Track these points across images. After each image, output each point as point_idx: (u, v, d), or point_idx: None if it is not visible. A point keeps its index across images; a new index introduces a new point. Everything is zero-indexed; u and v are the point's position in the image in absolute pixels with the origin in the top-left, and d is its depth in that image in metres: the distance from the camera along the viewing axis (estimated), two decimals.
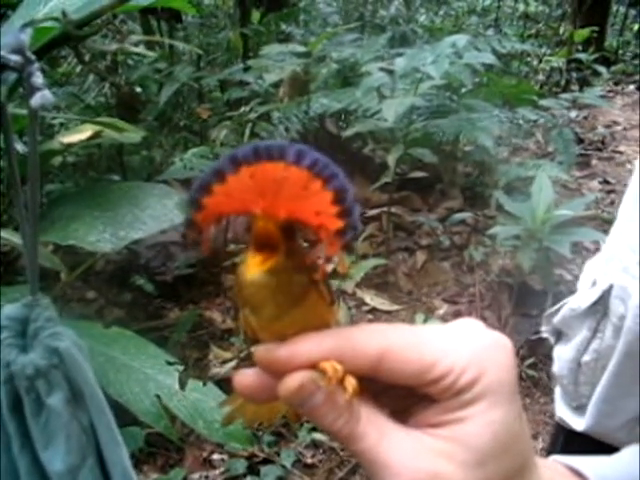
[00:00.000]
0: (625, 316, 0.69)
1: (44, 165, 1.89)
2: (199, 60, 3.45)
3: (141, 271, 2.43)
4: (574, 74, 4.92)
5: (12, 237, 1.25)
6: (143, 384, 1.02)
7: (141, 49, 2.90)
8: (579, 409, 0.77)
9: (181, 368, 1.01)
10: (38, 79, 0.45)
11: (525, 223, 2.31)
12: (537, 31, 6.34)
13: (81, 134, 1.73)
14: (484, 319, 2.46)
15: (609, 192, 3.69)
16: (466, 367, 0.34)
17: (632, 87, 6.30)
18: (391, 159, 2.56)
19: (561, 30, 5.88)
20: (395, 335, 0.35)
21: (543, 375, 2.28)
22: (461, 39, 2.65)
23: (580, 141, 4.14)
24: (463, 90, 3.22)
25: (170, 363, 1.05)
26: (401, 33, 3.81)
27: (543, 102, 3.35)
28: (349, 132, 2.78)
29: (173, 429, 1.04)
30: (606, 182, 3.84)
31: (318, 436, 1.91)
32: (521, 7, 6.64)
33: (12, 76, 0.48)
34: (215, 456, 1.89)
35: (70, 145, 1.76)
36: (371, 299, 2.54)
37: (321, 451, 1.93)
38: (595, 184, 3.81)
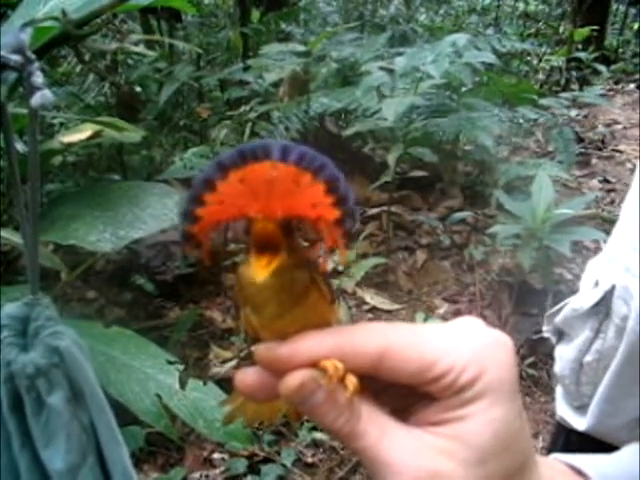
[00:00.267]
0: (628, 317, 0.69)
1: (44, 165, 1.89)
2: (199, 59, 3.45)
3: (141, 270, 2.43)
4: (574, 73, 4.93)
5: (12, 237, 1.26)
6: (143, 383, 1.02)
7: (141, 49, 2.90)
8: (580, 409, 0.77)
9: (181, 367, 1.01)
10: (38, 79, 0.45)
11: (525, 222, 2.32)
12: (537, 30, 6.34)
13: (81, 134, 1.73)
14: (484, 318, 2.46)
15: (609, 191, 3.69)
16: (467, 365, 0.34)
17: (632, 86, 6.30)
18: (391, 158, 2.56)
19: (561, 29, 5.88)
20: (396, 334, 0.35)
21: (543, 374, 2.28)
22: (461, 38, 2.65)
23: (580, 140, 4.14)
24: (463, 89, 3.22)
25: (170, 362, 1.05)
26: (401, 32, 3.81)
27: (543, 101, 3.35)
28: (349, 131, 2.78)
29: (173, 428, 1.04)
30: (606, 181, 3.84)
31: (319, 435, 1.91)
32: (521, 6, 6.65)
33: (12, 75, 0.48)
34: (215, 455, 1.89)
35: (70, 145, 1.76)
36: (371, 298, 2.54)
37: (321, 450, 1.93)
38: (595, 183, 3.81)
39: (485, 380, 0.34)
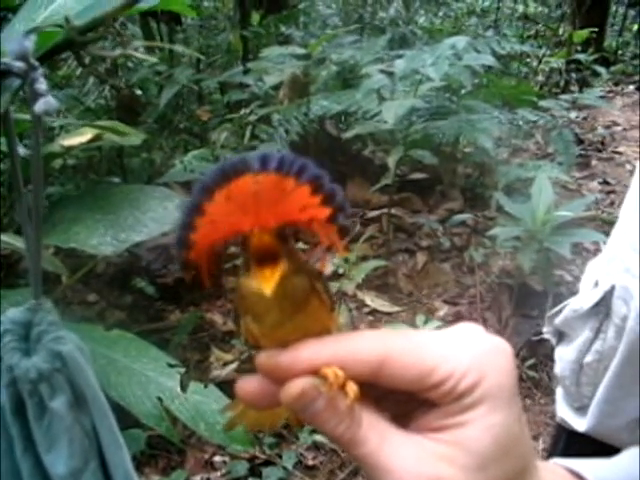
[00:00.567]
0: (627, 317, 0.69)
1: (44, 168, 1.89)
2: (199, 62, 3.46)
3: (142, 274, 2.43)
4: (573, 75, 4.93)
5: (13, 240, 1.26)
6: (144, 386, 1.02)
7: (142, 53, 2.90)
8: (581, 410, 0.77)
9: (182, 370, 1.01)
10: (42, 85, 0.46)
11: (525, 224, 2.32)
12: (536, 32, 6.35)
13: (81, 137, 1.73)
14: (484, 320, 2.46)
15: (609, 193, 3.69)
16: (466, 372, 0.34)
17: (632, 87, 6.30)
18: (391, 161, 2.57)
19: (560, 31, 5.89)
20: (395, 341, 0.35)
21: (544, 376, 2.28)
22: (460, 40, 2.65)
23: (580, 142, 4.14)
24: (463, 91, 3.23)
25: (171, 365, 1.05)
26: (400, 35, 3.82)
27: (543, 103, 3.35)
28: (349, 134, 2.79)
29: (174, 431, 1.04)
30: (606, 183, 3.84)
31: (319, 438, 1.91)
32: (520, 8, 6.66)
33: (16, 82, 0.48)
34: (216, 458, 1.89)
35: (70, 148, 1.76)
36: (372, 301, 2.54)
37: (322, 453, 1.94)
38: (595, 185, 3.81)
39: (485, 386, 0.34)
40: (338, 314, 0.38)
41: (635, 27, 8.07)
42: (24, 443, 0.59)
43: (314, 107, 2.81)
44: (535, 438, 2.03)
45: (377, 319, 2.47)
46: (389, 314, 2.51)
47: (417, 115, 2.81)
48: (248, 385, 0.36)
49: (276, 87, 2.94)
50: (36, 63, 0.46)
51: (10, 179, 1.77)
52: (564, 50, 5.20)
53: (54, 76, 3.05)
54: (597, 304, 0.74)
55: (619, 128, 4.89)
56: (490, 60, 2.77)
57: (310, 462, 1.90)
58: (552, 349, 0.85)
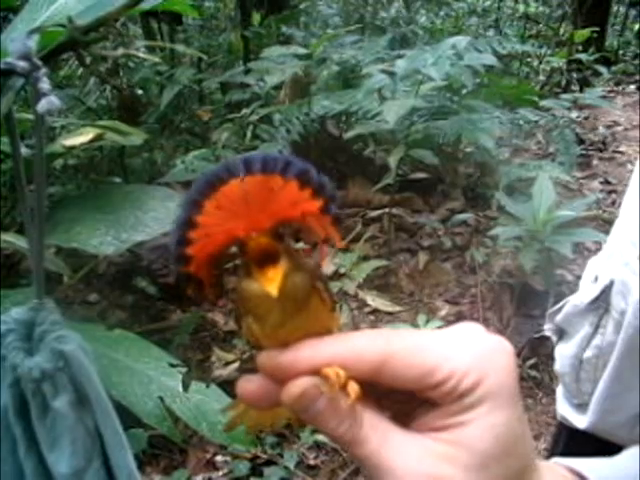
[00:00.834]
0: (626, 311, 0.69)
1: (46, 167, 1.89)
2: (200, 62, 3.46)
3: (143, 273, 2.43)
4: (575, 74, 4.93)
5: (15, 240, 1.26)
6: (146, 386, 1.02)
7: (144, 53, 2.90)
8: (581, 407, 0.78)
9: (184, 370, 1.01)
10: (45, 85, 0.46)
11: (526, 224, 2.32)
12: (537, 32, 6.35)
13: (83, 137, 1.73)
14: (486, 320, 2.46)
15: (610, 192, 3.69)
16: (467, 371, 0.34)
17: (633, 87, 6.30)
18: (392, 160, 2.57)
19: (561, 31, 5.88)
20: (396, 340, 0.35)
21: (545, 375, 2.28)
22: (461, 40, 2.66)
23: (581, 142, 4.14)
24: (464, 91, 3.22)
25: (173, 365, 1.05)
26: (401, 34, 3.82)
27: (544, 103, 3.35)
28: (350, 134, 2.79)
29: (176, 431, 1.04)
30: (607, 182, 3.84)
31: (321, 437, 1.91)
32: (521, 8, 6.66)
33: (19, 82, 0.49)
34: (218, 458, 1.89)
35: (72, 148, 1.76)
36: (373, 300, 2.54)
37: (324, 452, 1.94)
38: (596, 184, 3.81)
39: (486, 385, 0.34)
40: (339, 314, 0.38)
41: (636, 27, 8.07)
42: (27, 442, 0.59)
43: (315, 107, 2.81)
44: (536, 437, 2.03)
45: (378, 319, 2.47)
46: (390, 314, 2.51)
47: (418, 115, 2.82)
48: (249, 385, 0.36)
49: (277, 87, 2.95)
50: (39, 62, 0.46)
51: (12, 179, 1.77)
52: (565, 50, 5.19)
53: (55, 76, 3.06)
54: (596, 299, 0.74)
55: (620, 128, 4.89)
56: (491, 60, 2.77)
57: (312, 462, 1.90)
58: (553, 349, 0.86)
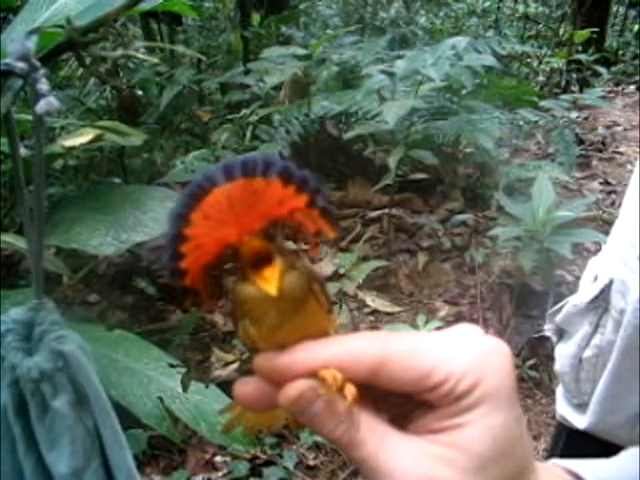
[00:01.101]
0: (625, 310, 0.69)
1: (45, 168, 1.89)
2: (199, 63, 3.46)
3: (143, 274, 2.43)
4: (574, 75, 4.93)
5: (15, 241, 1.26)
6: (145, 386, 1.02)
7: (144, 54, 2.91)
8: (581, 407, 0.78)
9: (183, 370, 1.01)
10: (44, 86, 0.46)
11: (526, 224, 2.32)
12: (537, 32, 6.35)
13: (82, 137, 1.73)
14: (485, 320, 2.46)
15: (610, 193, 3.69)
16: (465, 373, 0.34)
17: (632, 87, 6.30)
18: (392, 161, 2.57)
19: (561, 31, 5.88)
20: (393, 342, 0.35)
21: (544, 376, 2.28)
22: (461, 41, 2.66)
23: (580, 142, 4.13)
24: (463, 92, 3.23)
25: (172, 365, 1.05)
26: (401, 35, 3.82)
27: (543, 103, 3.35)
28: (350, 134, 2.79)
29: (176, 431, 1.04)
30: (607, 183, 3.84)
31: (320, 438, 1.90)
32: (521, 8, 6.66)
33: (18, 83, 0.49)
34: (218, 458, 1.89)
35: (71, 148, 1.76)
36: (372, 301, 2.54)
37: (323, 453, 1.94)
38: (596, 185, 3.81)
39: (483, 387, 0.34)
40: (336, 315, 0.38)
41: (636, 27, 8.06)
42: (26, 442, 0.60)
43: (315, 107, 2.81)
44: (536, 438, 2.03)
45: (378, 319, 2.48)
46: (390, 314, 2.51)
47: (418, 115, 2.82)
48: (246, 387, 0.36)
49: (277, 87, 2.95)
50: (38, 63, 0.46)
51: (12, 179, 1.77)
52: (565, 50, 5.19)
53: (55, 77, 3.05)
54: (596, 298, 0.74)
55: (620, 128, 4.89)
56: (491, 60, 2.77)
57: (311, 462, 1.90)
58: (553, 349, 0.86)
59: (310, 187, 0.32)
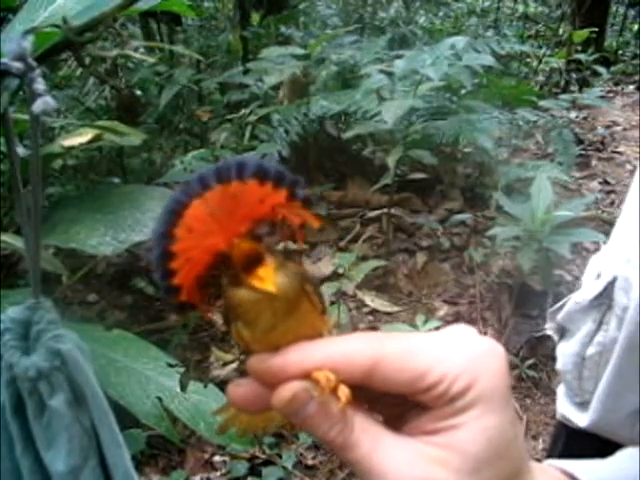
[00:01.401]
0: (628, 307, 0.69)
1: (44, 168, 1.89)
2: (199, 63, 3.46)
3: (142, 274, 2.43)
4: (574, 75, 4.93)
5: (13, 240, 1.26)
6: (144, 386, 1.02)
7: (142, 54, 2.91)
8: (582, 405, 0.78)
9: (182, 370, 1.01)
10: (40, 85, 0.46)
11: (525, 224, 2.32)
12: (536, 32, 6.36)
13: (81, 137, 1.73)
14: (484, 320, 2.46)
15: (609, 192, 3.69)
16: (459, 374, 0.34)
17: (632, 87, 6.30)
18: (391, 161, 2.57)
19: (560, 31, 5.88)
20: (387, 343, 0.35)
21: (544, 376, 2.28)
22: (460, 40, 2.66)
23: (580, 142, 4.13)
24: (463, 91, 3.23)
25: (171, 365, 1.05)
26: (400, 35, 3.82)
27: (543, 103, 3.36)
28: (349, 134, 2.79)
29: (174, 431, 1.04)
30: (606, 182, 3.84)
31: None
32: (520, 8, 6.66)
33: (15, 82, 0.49)
34: (216, 458, 1.89)
35: (70, 148, 1.76)
36: (371, 300, 2.54)
37: (322, 452, 1.94)
38: (595, 185, 3.81)
39: (477, 389, 0.34)
40: (329, 317, 0.38)
41: (635, 27, 8.07)
42: (23, 441, 0.60)
43: (314, 107, 2.81)
44: (535, 438, 2.03)
45: (377, 319, 2.48)
46: (389, 314, 2.51)
47: (417, 115, 2.81)
48: (239, 389, 0.35)
49: (276, 87, 2.95)
50: (34, 63, 0.46)
51: (9, 179, 1.77)
52: (564, 50, 5.19)
53: (54, 76, 3.06)
54: (599, 295, 0.74)
55: (619, 128, 4.89)
56: (490, 60, 2.77)
57: (310, 462, 1.90)
58: (552, 349, 0.85)
59: (287, 181, 0.32)
